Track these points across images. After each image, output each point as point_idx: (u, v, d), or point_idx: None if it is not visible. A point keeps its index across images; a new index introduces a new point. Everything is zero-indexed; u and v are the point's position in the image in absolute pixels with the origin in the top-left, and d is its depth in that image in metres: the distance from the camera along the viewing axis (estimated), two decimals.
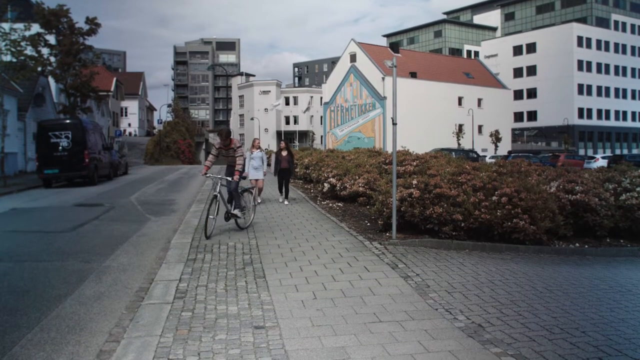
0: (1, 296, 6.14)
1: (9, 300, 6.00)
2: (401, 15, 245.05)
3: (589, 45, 78.64)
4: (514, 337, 4.76)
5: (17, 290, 6.37)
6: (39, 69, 29.35)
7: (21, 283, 6.67)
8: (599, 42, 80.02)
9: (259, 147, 13.97)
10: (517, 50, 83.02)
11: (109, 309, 5.67)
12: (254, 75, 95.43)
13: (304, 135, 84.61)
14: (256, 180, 13.44)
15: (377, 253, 7.99)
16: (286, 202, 13.97)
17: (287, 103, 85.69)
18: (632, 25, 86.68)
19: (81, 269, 7.34)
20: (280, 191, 14.55)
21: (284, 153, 14.15)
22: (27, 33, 24.25)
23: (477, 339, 4.69)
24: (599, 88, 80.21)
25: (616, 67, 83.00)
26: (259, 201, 13.36)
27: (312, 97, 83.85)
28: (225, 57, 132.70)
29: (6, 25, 23.46)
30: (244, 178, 9.62)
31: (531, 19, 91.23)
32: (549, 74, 78.11)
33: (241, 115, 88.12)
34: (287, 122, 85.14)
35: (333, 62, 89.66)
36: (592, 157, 46.90)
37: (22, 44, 23.86)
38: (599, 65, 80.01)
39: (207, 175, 9.74)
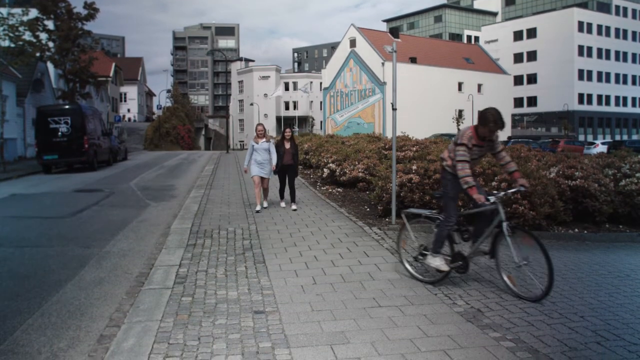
0: (2, 281, 6.16)
1: (10, 285, 6.02)
2: (402, 0, 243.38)
3: (589, 31, 78.21)
4: (513, 321, 4.78)
5: (17, 275, 6.39)
6: (38, 54, 29.13)
7: (22, 268, 6.69)
8: (599, 27, 79.58)
9: (265, 136, 10.92)
10: (518, 36, 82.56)
11: (109, 294, 5.69)
12: (253, 61, 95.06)
13: (304, 120, 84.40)
14: (261, 179, 10.82)
15: (376, 238, 8.00)
16: (294, 207, 10.81)
17: (287, 88, 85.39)
18: (633, 10, 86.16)
19: (81, 255, 7.36)
20: (281, 193, 11.38)
21: (288, 145, 10.98)
22: (25, 18, 24.12)
23: (476, 324, 4.71)
24: (600, 73, 79.93)
25: (617, 53, 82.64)
26: (265, 205, 11.01)
27: (311, 82, 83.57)
28: (225, 43, 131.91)
29: (4, 10, 23.33)
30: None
31: (532, 3, 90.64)
32: (549, 60, 77.74)
33: (240, 101, 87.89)
34: (287, 108, 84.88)
35: (333, 47, 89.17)
36: (592, 143, 46.80)
37: (20, 29, 23.73)
38: (599, 50, 79.66)
39: (497, 193, 5.65)
